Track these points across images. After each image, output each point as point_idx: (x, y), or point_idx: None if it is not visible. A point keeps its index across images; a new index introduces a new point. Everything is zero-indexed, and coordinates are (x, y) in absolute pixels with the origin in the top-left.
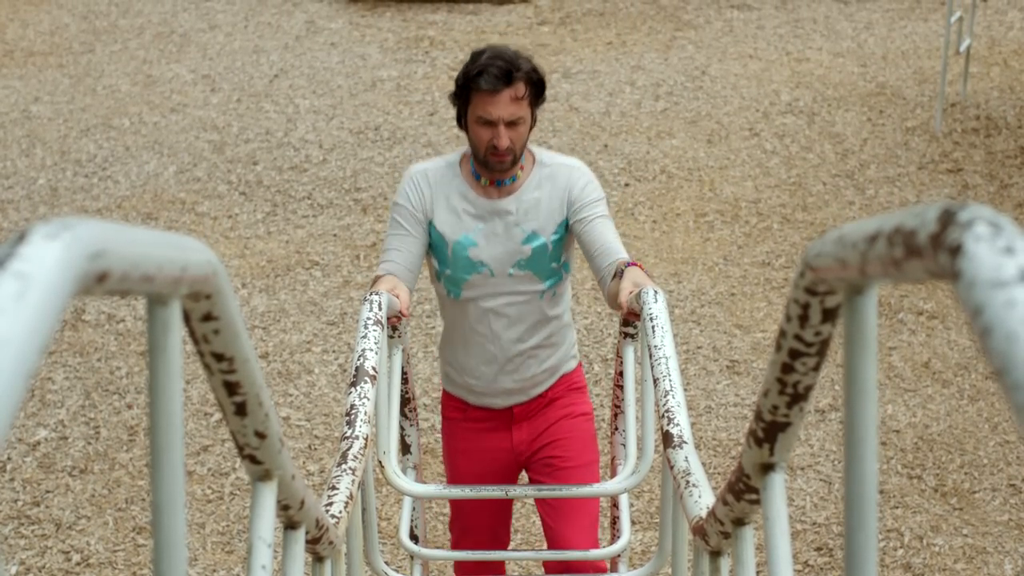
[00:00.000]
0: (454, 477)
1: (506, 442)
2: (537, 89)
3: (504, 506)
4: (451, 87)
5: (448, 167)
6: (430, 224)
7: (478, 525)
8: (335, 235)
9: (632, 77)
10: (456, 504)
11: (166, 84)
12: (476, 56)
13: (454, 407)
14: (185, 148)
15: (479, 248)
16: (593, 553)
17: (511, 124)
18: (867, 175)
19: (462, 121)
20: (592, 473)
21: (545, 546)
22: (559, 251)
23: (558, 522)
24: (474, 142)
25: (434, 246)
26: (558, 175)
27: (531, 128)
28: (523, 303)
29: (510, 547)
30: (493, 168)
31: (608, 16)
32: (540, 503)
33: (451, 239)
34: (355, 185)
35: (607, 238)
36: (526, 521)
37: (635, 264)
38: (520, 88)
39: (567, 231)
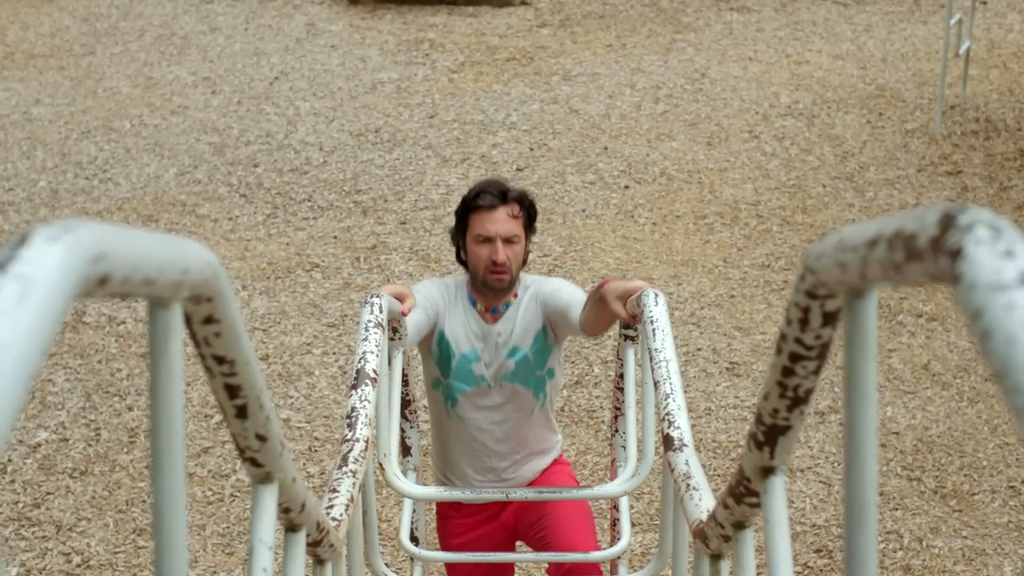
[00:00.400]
0: (455, 571)
1: (498, 525)
2: (530, 213)
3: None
4: (452, 89)
5: (460, 288)
6: (440, 332)
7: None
8: (335, 237)
9: (632, 79)
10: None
11: (167, 86)
12: (472, 188)
13: (448, 507)
14: (186, 150)
15: (481, 364)
16: (594, 555)
17: (508, 241)
18: (867, 177)
19: (460, 253)
20: (580, 510)
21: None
22: (543, 359)
23: (558, 535)
24: (474, 263)
25: (440, 355)
26: (533, 289)
27: (525, 258)
28: (516, 419)
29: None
30: (492, 287)
31: (608, 18)
32: (536, 541)
33: (459, 351)
34: (355, 187)
35: (572, 295)
36: None
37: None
38: (515, 207)
39: (546, 337)
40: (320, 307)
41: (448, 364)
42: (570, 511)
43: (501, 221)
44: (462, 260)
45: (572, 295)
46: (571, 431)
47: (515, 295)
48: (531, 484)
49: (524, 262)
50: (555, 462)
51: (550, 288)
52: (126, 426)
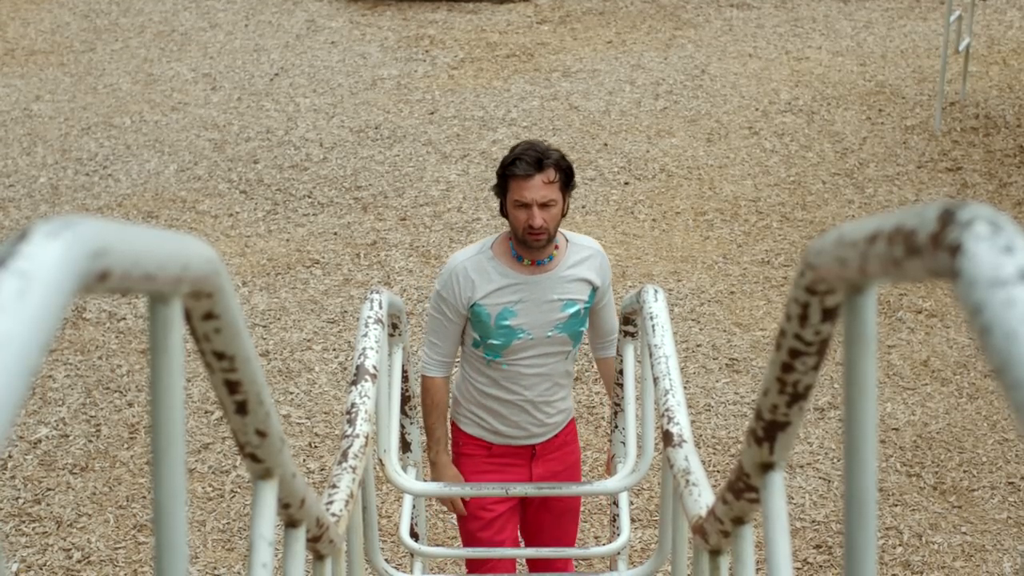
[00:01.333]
0: (475, 510)
1: (525, 475)
2: (567, 175)
3: (513, 531)
4: (451, 86)
5: (482, 253)
6: (473, 307)
7: (493, 541)
8: (335, 233)
9: (632, 76)
10: (472, 518)
11: (167, 83)
12: (512, 149)
13: (476, 445)
14: (186, 147)
15: (518, 317)
16: (593, 551)
17: (544, 206)
18: (866, 174)
19: (503, 209)
20: (577, 516)
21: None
22: (586, 317)
23: (552, 543)
24: (513, 224)
25: (477, 321)
26: (591, 256)
27: (564, 213)
28: (554, 362)
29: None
30: (531, 246)
31: (608, 15)
32: (533, 531)
33: (494, 312)
34: (355, 183)
35: (612, 321)
36: None
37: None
38: (551, 173)
39: (592, 302)
40: (320, 303)
41: (487, 327)
42: (572, 531)
43: (537, 188)
44: (504, 214)
45: (613, 322)
46: None
47: (556, 247)
48: (555, 439)
49: (564, 215)
50: (571, 429)
51: (607, 283)
52: (126, 422)
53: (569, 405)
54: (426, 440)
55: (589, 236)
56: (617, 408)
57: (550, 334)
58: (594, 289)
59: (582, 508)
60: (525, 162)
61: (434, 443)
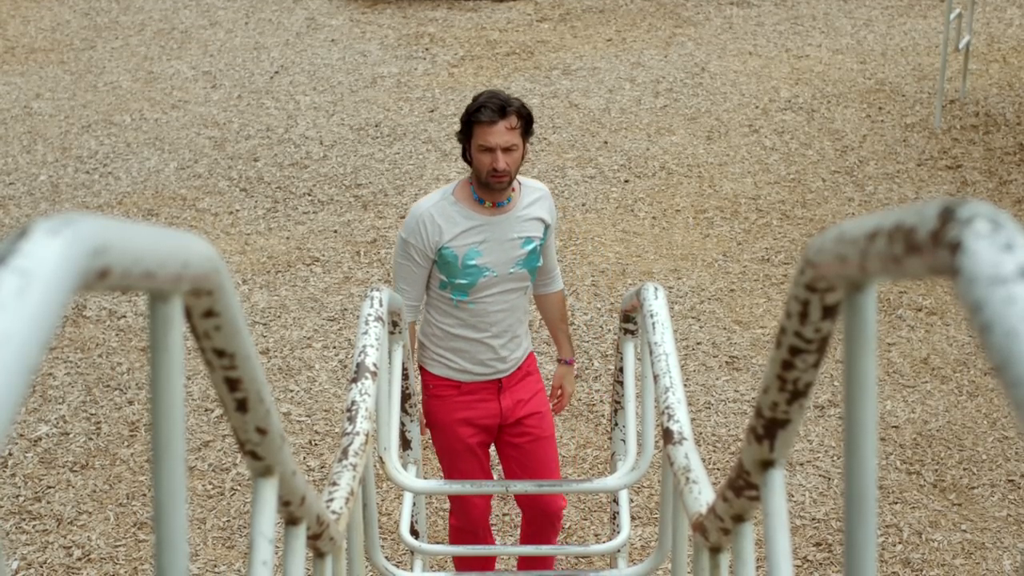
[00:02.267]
0: (451, 449)
1: (495, 408)
2: (527, 122)
3: (489, 467)
4: (451, 84)
5: (444, 199)
6: (440, 250)
7: (476, 472)
8: (335, 231)
9: (632, 74)
10: (449, 456)
11: (167, 81)
12: (475, 98)
13: (446, 386)
14: (186, 144)
15: (483, 257)
16: (593, 549)
17: (506, 150)
18: (866, 171)
19: (467, 155)
20: (555, 442)
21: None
22: (540, 253)
23: (533, 477)
24: (477, 168)
25: (443, 264)
26: (542, 198)
27: (523, 158)
28: (515, 297)
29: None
30: (493, 188)
31: (608, 13)
32: (515, 467)
33: (460, 254)
34: (355, 181)
35: (553, 259)
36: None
37: (570, 362)
38: (513, 120)
39: (545, 239)
40: (320, 301)
41: (455, 268)
42: (550, 458)
43: (500, 133)
44: (468, 160)
45: (553, 255)
46: (571, 425)
47: (513, 190)
48: (519, 370)
49: (522, 160)
50: (532, 360)
51: (554, 223)
52: (127, 420)
53: (528, 341)
54: None
55: (542, 182)
56: (617, 406)
57: (512, 270)
58: (547, 227)
59: (582, 507)
60: (489, 109)
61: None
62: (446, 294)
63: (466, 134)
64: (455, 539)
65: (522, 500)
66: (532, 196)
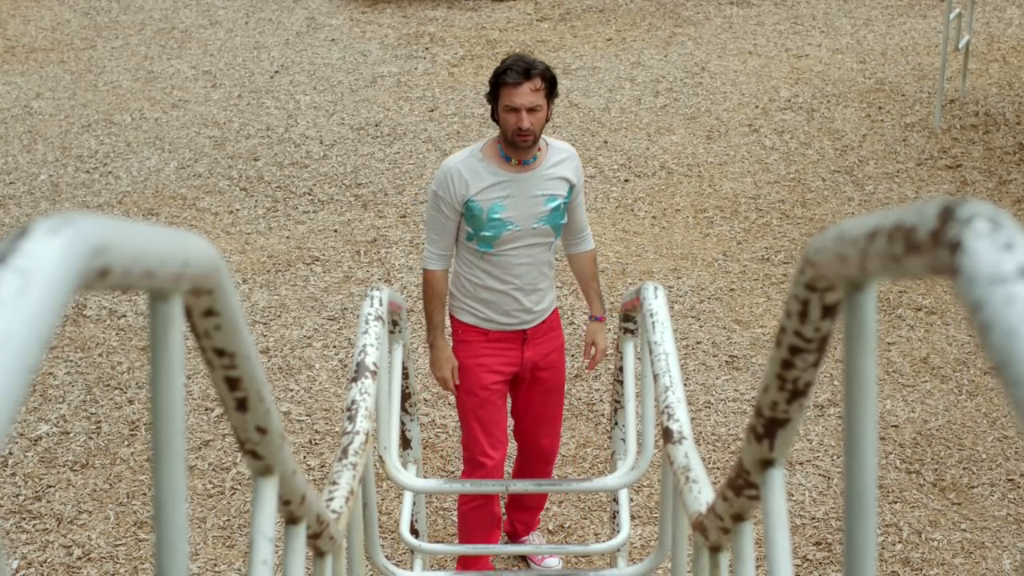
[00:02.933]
0: (472, 392)
1: (518, 357)
2: (551, 85)
3: (506, 419)
4: (451, 83)
5: (473, 156)
6: (467, 203)
7: (495, 418)
8: (336, 231)
9: (632, 73)
10: (470, 400)
11: (167, 80)
12: (503, 61)
13: (475, 332)
14: (186, 144)
15: (507, 211)
16: (594, 548)
17: (531, 111)
18: (866, 171)
19: (494, 115)
20: (563, 395)
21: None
22: (564, 211)
23: (538, 429)
24: (504, 127)
25: (470, 216)
26: (568, 159)
27: (547, 119)
28: (539, 251)
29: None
30: (519, 147)
31: (608, 12)
32: (523, 409)
33: (485, 207)
34: (355, 181)
35: (583, 219)
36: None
37: (600, 319)
38: (538, 82)
39: (570, 198)
40: (320, 300)
41: (480, 221)
42: (557, 410)
43: (525, 94)
44: (496, 119)
45: (583, 214)
46: (571, 424)
47: (539, 149)
48: (544, 324)
49: (547, 121)
50: (556, 316)
51: (581, 185)
52: (127, 419)
53: (552, 296)
54: (426, 327)
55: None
56: (617, 405)
57: (535, 226)
58: (571, 187)
59: (582, 506)
60: (515, 71)
61: (433, 328)
62: (472, 245)
63: (493, 95)
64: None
65: (522, 439)
66: (559, 156)
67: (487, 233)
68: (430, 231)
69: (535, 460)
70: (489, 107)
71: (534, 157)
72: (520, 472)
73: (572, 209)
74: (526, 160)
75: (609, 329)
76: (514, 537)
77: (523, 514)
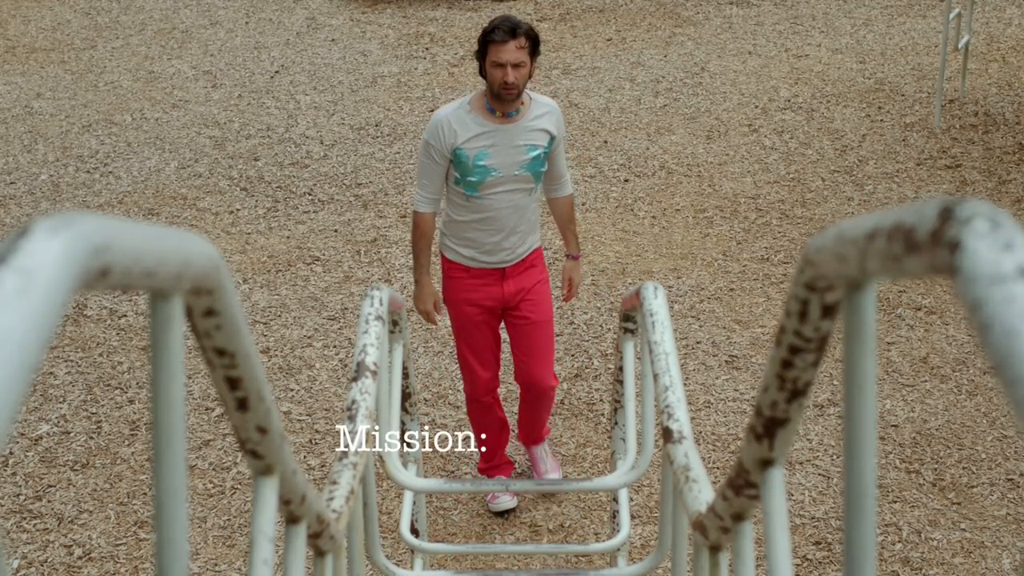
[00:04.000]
0: (462, 324)
1: (498, 293)
2: (534, 43)
3: (496, 345)
4: (451, 83)
5: (461, 108)
6: (455, 151)
7: (475, 346)
8: (336, 231)
9: (632, 73)
10: (461, 331)
11: (168, 80)
12: (491, 21)
13: (458, 269)
14: (186, 144)
15: (491, 159)
16: (593, 547)
17: (516, 66)
18: (866, 171)
19: (482, 70)
20: (551, 328)
21: (545, 539)
22: (545, 160)
23: (530, 361)
24: (490, 81)
25: (458, 163)
26: (550, 112)
27: (530, 75)
28: (520, 196)
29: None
30: (504, 99)
31: (608, 12)
32: (514, 345)
33: (471, 156)
34: (356, 181)
35: (563, 167)
36: (527, 515)
37: (575, 257)
38: (522, 40)
39: (550, 148)
40: (320, 300)
41: (467, 167)
42: (546, 341)
43: (511, 51)
44: (483, 74)
45: (563, 162)
46: (571, 424)
47: (522, 103)
48: (523, 262)
49: (529, 77)
50: (538, 255)
51: (562, 136)
52: (127, 419)
53: (534, 238)
54: (413, 266)
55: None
56: (617, 405)
57: (516, 173)
58: (552, 138)
59: (582, 506)
60: (502, 30)
61: (419, 267)
62: (459, 189)
63: (481, 52)
64: (469, 407)
65: (519, 376)
66: (541, 110)
67: (472, 178)
68: (421, 176)
69: (534, 398)
70: (477, 64)
71: (517, 110)
72: (524, 414)
73: (553, 159)
74: (510, 112)
75: (609, 330)
76: (523, 442)
77: (527, 428)
